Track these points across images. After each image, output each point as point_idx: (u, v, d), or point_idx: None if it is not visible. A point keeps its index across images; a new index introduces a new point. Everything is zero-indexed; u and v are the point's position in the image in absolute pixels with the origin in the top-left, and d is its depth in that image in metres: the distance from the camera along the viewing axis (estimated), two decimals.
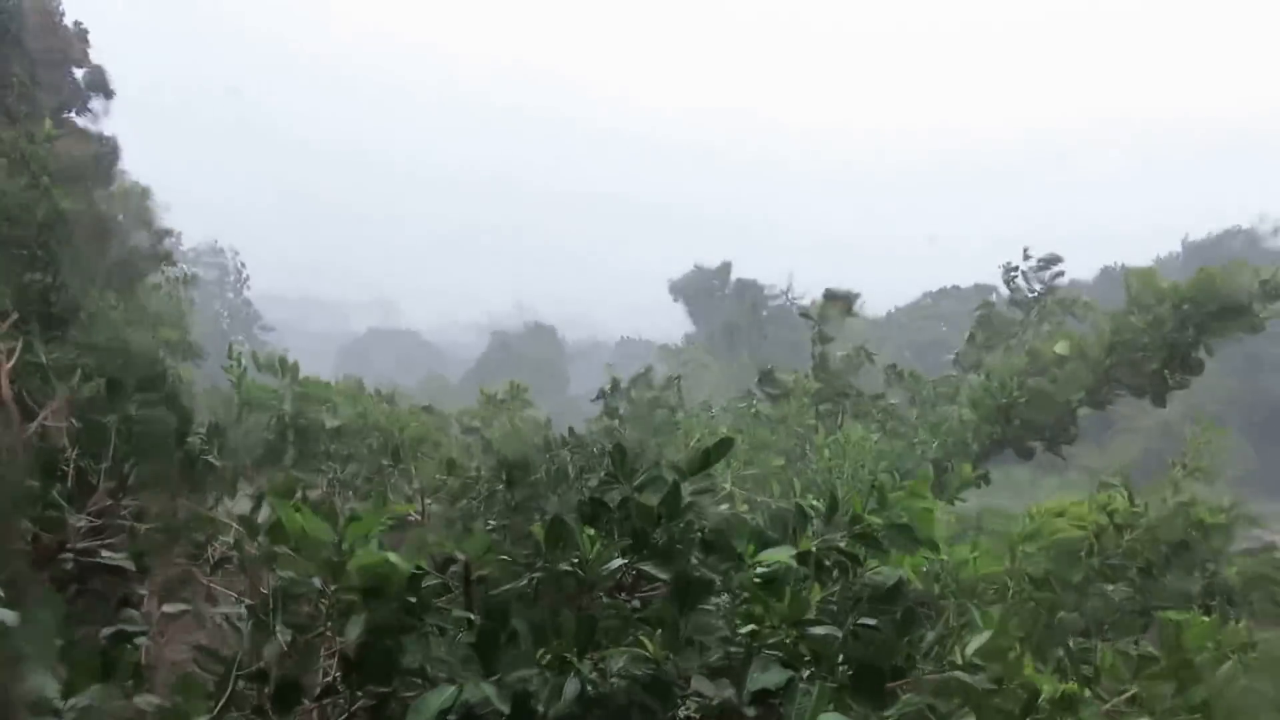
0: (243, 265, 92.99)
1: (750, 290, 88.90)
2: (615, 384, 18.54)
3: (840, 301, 18.71)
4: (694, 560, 5.10)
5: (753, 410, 16.64)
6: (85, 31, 27.47)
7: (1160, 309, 14.84)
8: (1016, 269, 23.97)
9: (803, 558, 5.20)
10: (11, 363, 10.99)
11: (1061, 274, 23.83)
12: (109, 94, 27.27)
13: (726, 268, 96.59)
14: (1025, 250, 23.69)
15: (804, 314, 19.33)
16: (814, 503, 10.62)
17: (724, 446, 5.86)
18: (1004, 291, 24.25)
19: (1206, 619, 7.31)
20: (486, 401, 22.44)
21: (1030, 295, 23.02)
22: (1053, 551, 10.21)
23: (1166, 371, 14.83)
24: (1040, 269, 23.70)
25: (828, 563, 5.43)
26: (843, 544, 5.39)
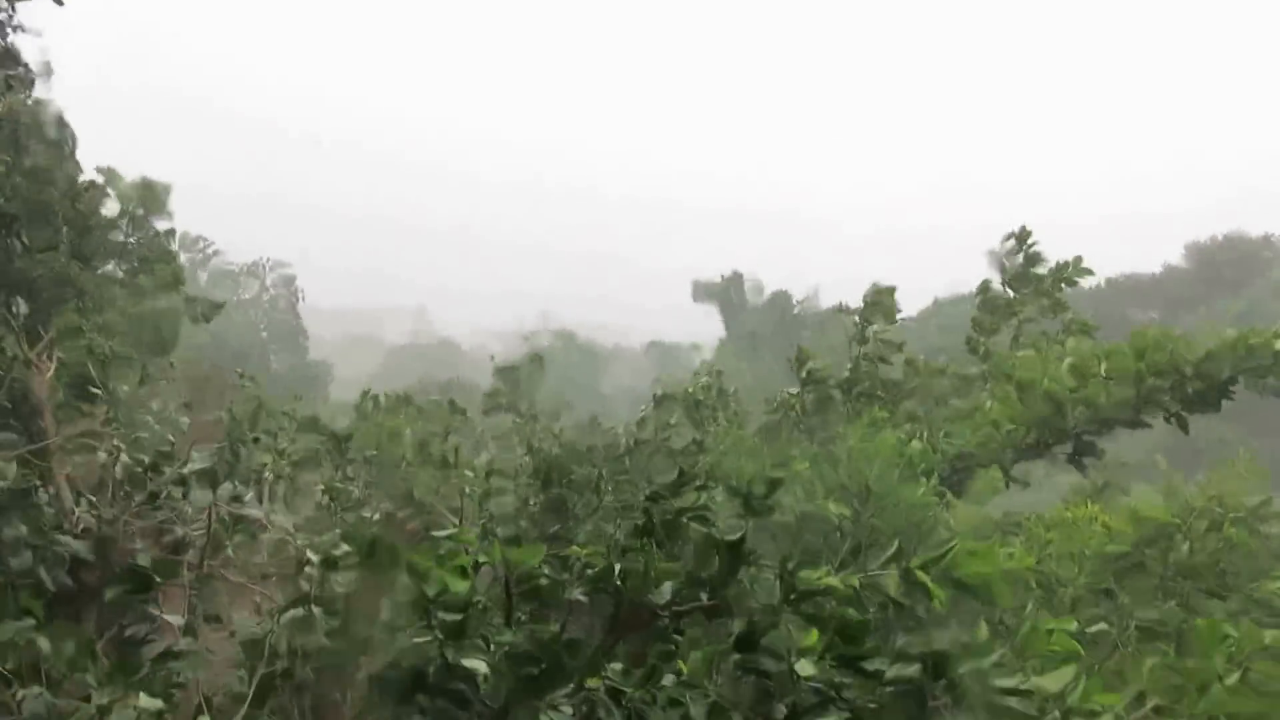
0: (299, 287, 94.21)
1: (779, 295, 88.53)
2: (661, 395, 18.28)
3: (886, 293, 18.25)
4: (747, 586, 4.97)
5: (791, 410, 16.50)
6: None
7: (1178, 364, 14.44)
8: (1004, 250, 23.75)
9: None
10: (50, 372, 11.19)
11: (1035, 246, 23.21)
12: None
13: (740, 277, 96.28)
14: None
15: (842, 310, 18.80)
16: (843, 511, 10.57)
17: (776, 485, 5.75)
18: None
19: (1225, 624, 7.15)
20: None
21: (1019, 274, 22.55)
22: (1086, 557, 10.10)
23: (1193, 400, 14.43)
24: (1017, 248, 23.38)
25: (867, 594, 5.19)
26: (893, 590, 5.10)
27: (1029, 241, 23.37)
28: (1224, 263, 77.90)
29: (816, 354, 18.30)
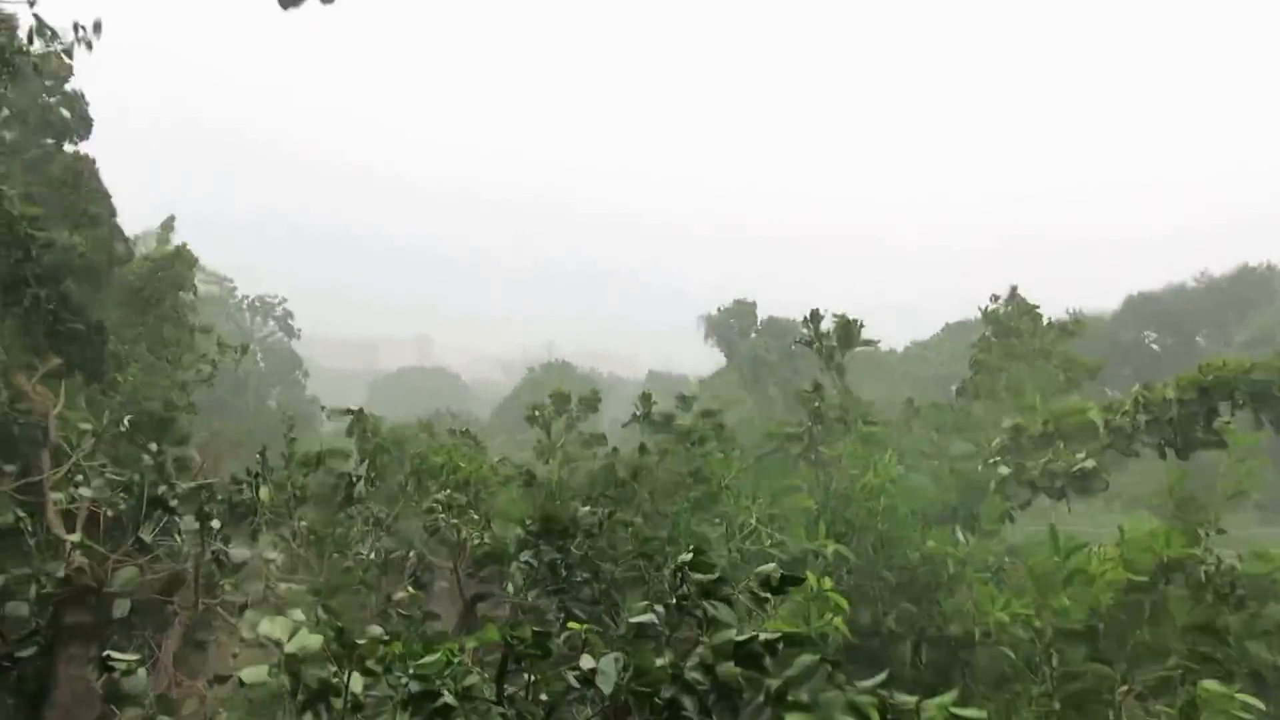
0: (291, 315, 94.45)
1: (779, 325, 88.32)
2: (648, 413, 17.90)
3: (850, 326, 18.06)
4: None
5: (783, 444, 16.34)
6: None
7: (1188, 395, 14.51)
8: (997, 299, 24.24)
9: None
10: (58, 408, 11.07)
11: (1037, 309, 23.83)
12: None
13: (753, 303, 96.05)
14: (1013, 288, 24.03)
15: (801, 340, 18.50)
16: (841, 550, 10.38)
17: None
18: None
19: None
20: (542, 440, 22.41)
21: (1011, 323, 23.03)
22: (1092, 595, 9.87)
23: (1196, 433, 14.44)
24: (1008, 298, 23.92)
25: None
26: None
27: (1021, 303, 23.77)
28: (1235, 286, 78.16)
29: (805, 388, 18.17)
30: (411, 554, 13.62)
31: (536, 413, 23.09)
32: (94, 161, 25.02)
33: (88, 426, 11.12)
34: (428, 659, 4.57)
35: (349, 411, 16.71)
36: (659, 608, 5.07)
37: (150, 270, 24.80)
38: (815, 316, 18.14)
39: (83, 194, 22.31)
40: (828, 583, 7.96)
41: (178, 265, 27.13)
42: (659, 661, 4.61)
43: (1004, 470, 14.84)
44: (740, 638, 4.65)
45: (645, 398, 18.20)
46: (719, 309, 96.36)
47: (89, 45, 14.48)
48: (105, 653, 7.23)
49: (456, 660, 4.66)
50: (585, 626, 4.89)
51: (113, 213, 24.34)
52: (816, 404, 16.89)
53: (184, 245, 28.73)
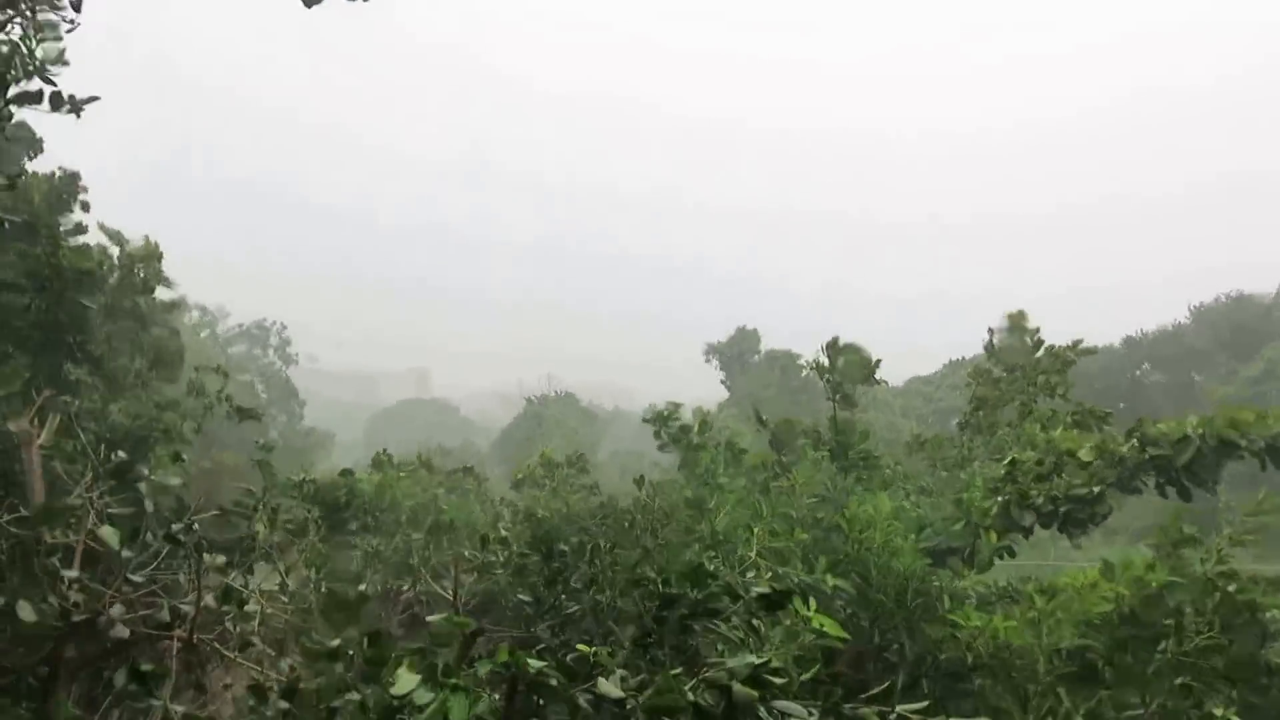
0: (289, 342, 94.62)
1: (781, 357, 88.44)
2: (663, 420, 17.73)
3: (853, 353, 17.91)
4: None
5: (774, 479, 16.30)
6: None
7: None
8: (994, 331, 24.06)
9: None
10: (39, 440, 11.04)
11: (1038, 333, 23.48)
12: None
13: (756, 333, 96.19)
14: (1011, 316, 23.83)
15: (814, 366, 18.29)
16: (838, 583, 10.37)
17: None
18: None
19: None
20: (542, 465, 22.44)
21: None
22: (1089, 625, 9.86)
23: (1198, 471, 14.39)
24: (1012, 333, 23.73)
25: None
26: None
27: (1026, 327, 23.59)
28: (1231, 325, 78.59)
29: (800, 421, 18.10)
30: (409, 587, 13.61)
31: (520, 477, 22.98)
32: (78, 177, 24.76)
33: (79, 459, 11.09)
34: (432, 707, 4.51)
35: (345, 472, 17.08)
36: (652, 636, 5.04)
37: (122, 275, 24.04)
38: (834, 345, 17.97)
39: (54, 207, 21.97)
40: (814, 610, 7.96)
41: (148, 260, 26.20)
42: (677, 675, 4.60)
43: (1004, 498, 14.82)
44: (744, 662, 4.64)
45: (660, 416, 17.89)
46: (718, 342, 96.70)
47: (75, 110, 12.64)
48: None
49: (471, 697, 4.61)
50: (593, 650, 4.85)
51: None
52: (810, 436, 16.85)
53: (148, 239, 27.71)
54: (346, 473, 16.95)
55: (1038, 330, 23.46)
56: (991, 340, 24.03)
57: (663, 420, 17.74)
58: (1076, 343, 22.70)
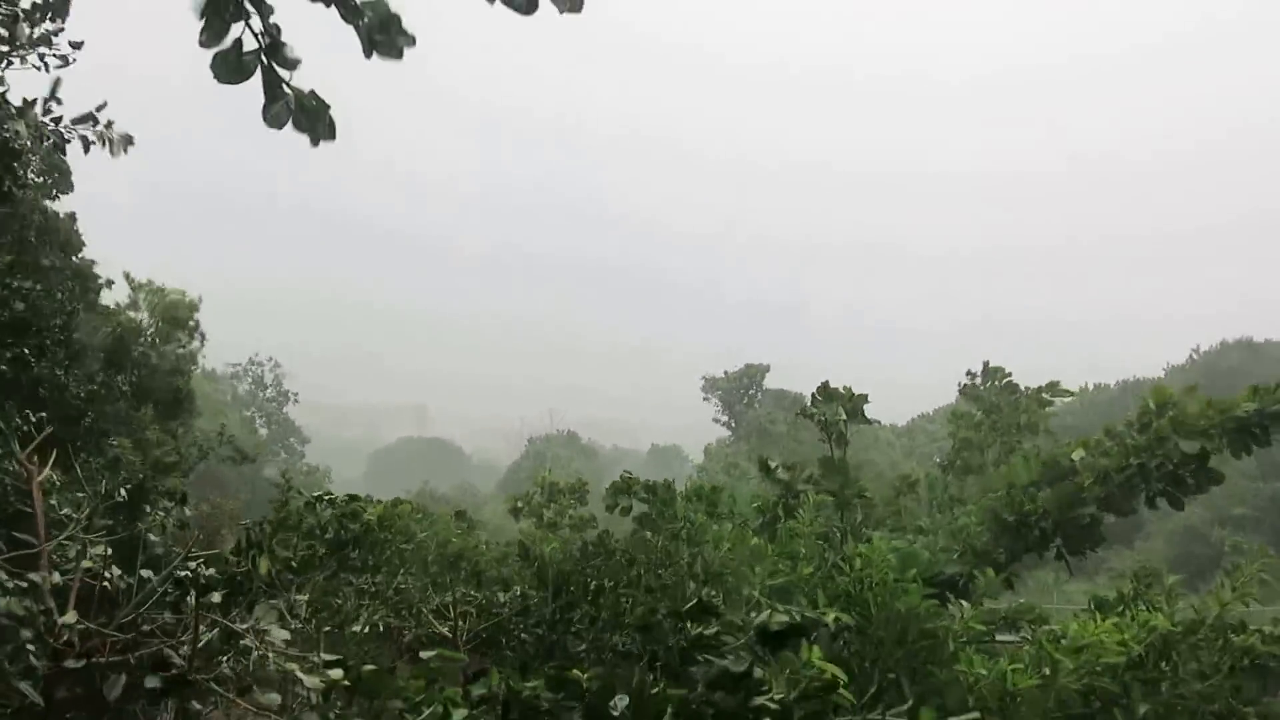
0: (284, 382, 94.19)
1: (784, 396, 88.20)
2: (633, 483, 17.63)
3: (843, 398, 18.01)
4: None
5: (777, 515, 16.19)
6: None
7: (1161, 424, 14.40)
8: (973, 375, 24.34)
9: None
10: (42, 475, 10.96)
11: (1009, 378, 23.72)
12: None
13: (763, 366, 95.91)
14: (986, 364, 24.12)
15: (806, 413, 18.36)
16: (840, 616, 10.26)
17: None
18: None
19: None
20: (540, 496, 22.28)
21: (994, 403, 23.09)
22: (1098, 669, 9.73)
23: (1184, 476, 14.28)
24: (991, 377, 23.97)
25: None
26: None
27: (1001, 375, 23.84)
28: (1230, 367, 78.84)
29: (807, 463, 18.07)
30: (408, 628, 13.44)
31: (520, 505, 22.93)
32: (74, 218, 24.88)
33: (81, 496, 11.01)
34: None
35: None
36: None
37: (150, 338, 24.35)
38: (825, 390, 18.15)
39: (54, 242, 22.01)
40: (818, 651, 7.87)
41: (181, 313, 26.18)
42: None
43: (1007, 518, 14.75)
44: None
45: (616, 488, 17.76)
46: (725, 373, 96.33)
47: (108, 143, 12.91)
48: None
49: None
50: (589, 673, 4.78)
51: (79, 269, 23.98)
52: (807, 474, 16.82)
53: (183, 293, 27.67)
54: (354, 498, 16.71)
55: (1009, 375, 23.66)
56: (970, 384, 24.26)
57: (622, 491, 17.59)
58: (1053, 384, 22.95)
